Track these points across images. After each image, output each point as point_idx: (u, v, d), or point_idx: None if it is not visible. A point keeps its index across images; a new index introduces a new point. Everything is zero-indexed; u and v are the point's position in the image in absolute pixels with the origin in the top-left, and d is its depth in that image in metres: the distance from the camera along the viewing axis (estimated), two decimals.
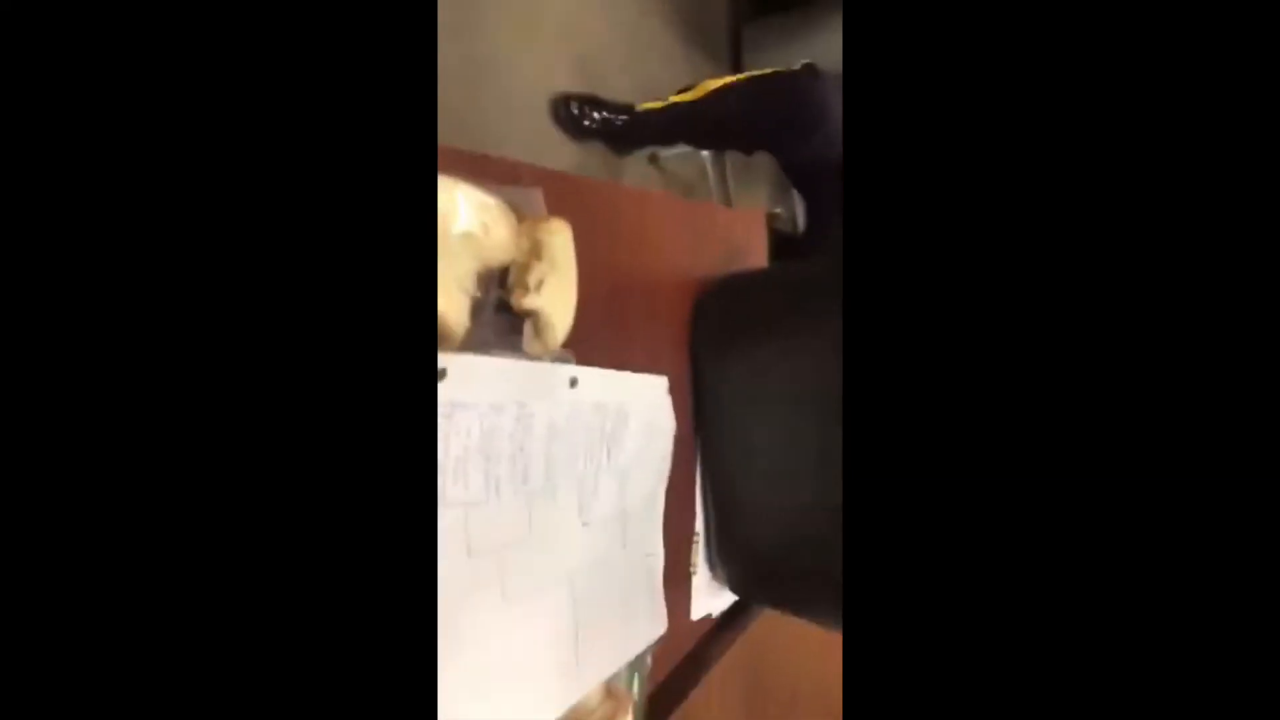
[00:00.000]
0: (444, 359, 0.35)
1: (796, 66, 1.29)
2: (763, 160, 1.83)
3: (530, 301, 0.38)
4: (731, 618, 0.65)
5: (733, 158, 1.81)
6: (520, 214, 0.39)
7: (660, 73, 1.76)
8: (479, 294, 0.37)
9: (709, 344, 0.60)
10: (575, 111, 1.45)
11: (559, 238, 0.38)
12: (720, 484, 0.60)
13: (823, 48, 1.70)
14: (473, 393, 0.37)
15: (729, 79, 1.42)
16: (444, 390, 0.35)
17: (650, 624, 0.53)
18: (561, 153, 1.47)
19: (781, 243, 1.48)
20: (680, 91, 1.48)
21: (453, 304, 0.34)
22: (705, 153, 1.71)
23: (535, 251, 0.38)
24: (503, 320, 0.40)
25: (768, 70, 1.36)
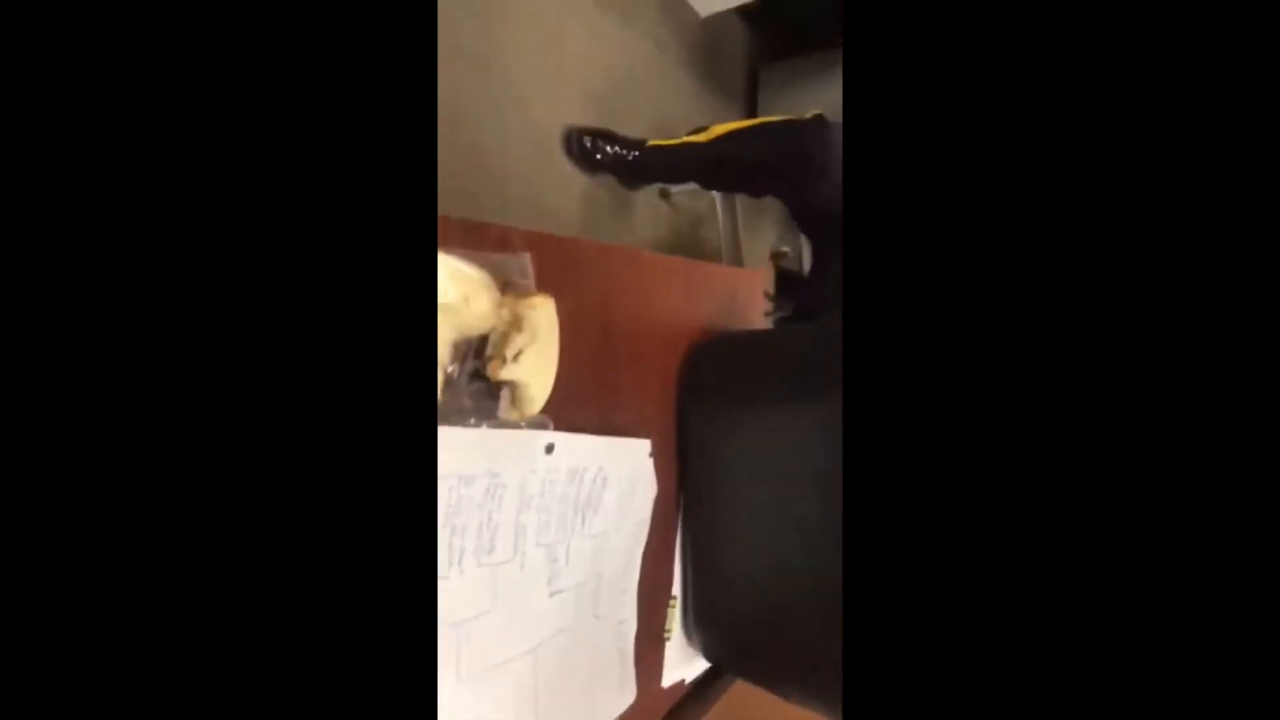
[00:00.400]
0: None
1: (807, 115, 1.30)
2: (771, 199, 1.84)
3: (507, 373, 0.37)
4: (705, 685, 0.63)
5: (742, 198, 1.81)
6: (506, 283, 0.39)
7: (676, 110, 1.78)
8: (454, 365, 0.36)
9: (699, 404, 0.59)
10: (587, 145, 1.46)
11: (542, 311, 0.37)
12: (702, 547, 0.59)
13: (839, 91, 1.72)
14: (442, 465, 0.36)
15: (739, 124, 1.43)
16: None
17: (619, 693, 0.52)
18: (576, 184, 1.48)
19: (786, 281, 1.49)
20: (693, 132, 1.49)
21: None
22: (715, 192, 1.72)
23: (515, 323, 0.37)
24: (479, 387, 0.39)
25: (778, 117, 1.37)
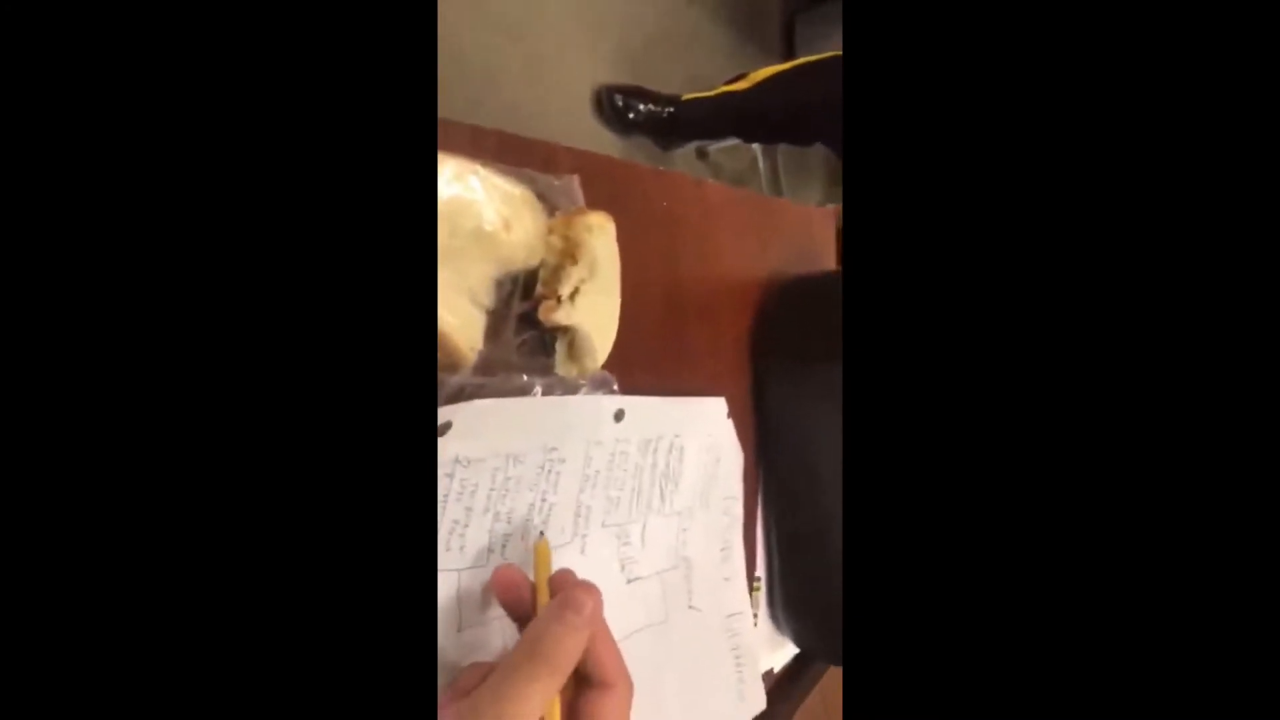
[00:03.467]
0: (447, 411, 0.27)
1: None
2: (817, 153, 1.73)
3: (563, 315, 0.30)
4: (794, 675, 0.56)
5: (785, 150, 1.71)
6: (552, 207, 0.31)
7: (710, 64, 1.68)
8: (496, 306, 0.29)
9: (776, 359, 0.51)
10: (619, 104, 1.38)
11: (600, 236, 0.30)
12: (787, 522, 0.51)
13: None
14: (483, 445, 0.29)
15: (780, 66, 1.32)
16: (446, 446, 0.27)
17: (739, 701, 0.43)
18: (611, 147, 1.40)
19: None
20: (729, 81, 1.39)
21: (461, 320, 0.26)
22: (756, 145, 1.62)
23: (570, 252, 0.30)
24: (529, 336, 0.32)
25: (822, 56, 1.26)
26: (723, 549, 0.45)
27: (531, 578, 0.29)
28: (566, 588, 0.27)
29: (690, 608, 0.41)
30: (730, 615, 0.44)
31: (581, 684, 0.27)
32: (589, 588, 0.27)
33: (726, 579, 0.44)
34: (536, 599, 0.28)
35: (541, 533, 0.31)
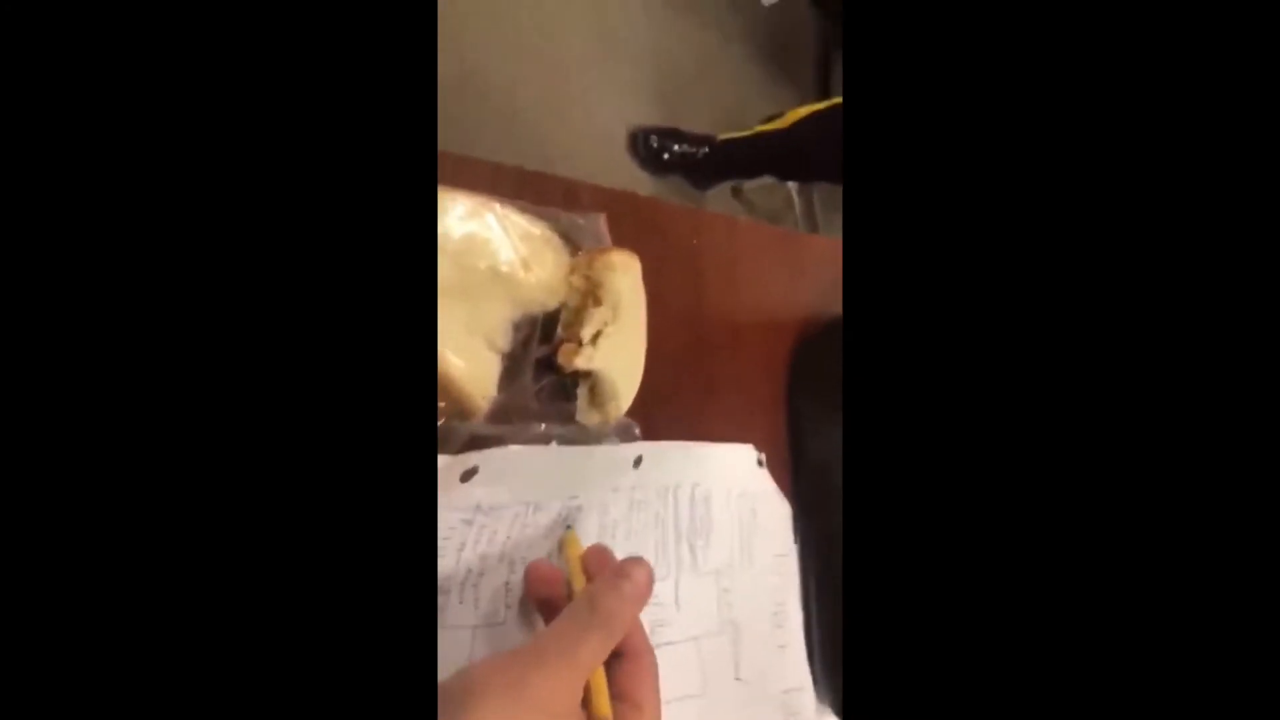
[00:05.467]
0: (475, 457, 0.26)
1: None
2: None
3: (584, 360, 0.28)
4: None
5: (821, 188, 1.70)
6: (575, 246, 0.30)
7: (745, 103, 1.69)
8: (513, 349, 0.28)
9: (811, 403, 0.48)
10: (654, 144, 1.39)
11: (624, 276, 0.28)
12: (826, 577, 0.48)
13: None
14: (505, 492, 0.27)
15: (817, 105, 1.33)
16: (470, 491, 0.26)
17: None
18: (643, 186, 1.41)
19: None
20: (766, 121, 1.39)
21: (473, 364, 0.25)
22: (792, 183, 1.61)
23: (592, 293, 0.28)
24: (550, 382, 0.31)
25: None
26: (775, 613, 0.41)
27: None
28: (619, 562, 0.27)
29: (737, 680, 0.37)
30: (788, 691, 0.40)
31: (610, 657, 0.26)
32: (641, 562, 0.27)
33: (782, 646, 0.40)
34: (571, 588, 0.27)
35: (569, 525, 0.30)
